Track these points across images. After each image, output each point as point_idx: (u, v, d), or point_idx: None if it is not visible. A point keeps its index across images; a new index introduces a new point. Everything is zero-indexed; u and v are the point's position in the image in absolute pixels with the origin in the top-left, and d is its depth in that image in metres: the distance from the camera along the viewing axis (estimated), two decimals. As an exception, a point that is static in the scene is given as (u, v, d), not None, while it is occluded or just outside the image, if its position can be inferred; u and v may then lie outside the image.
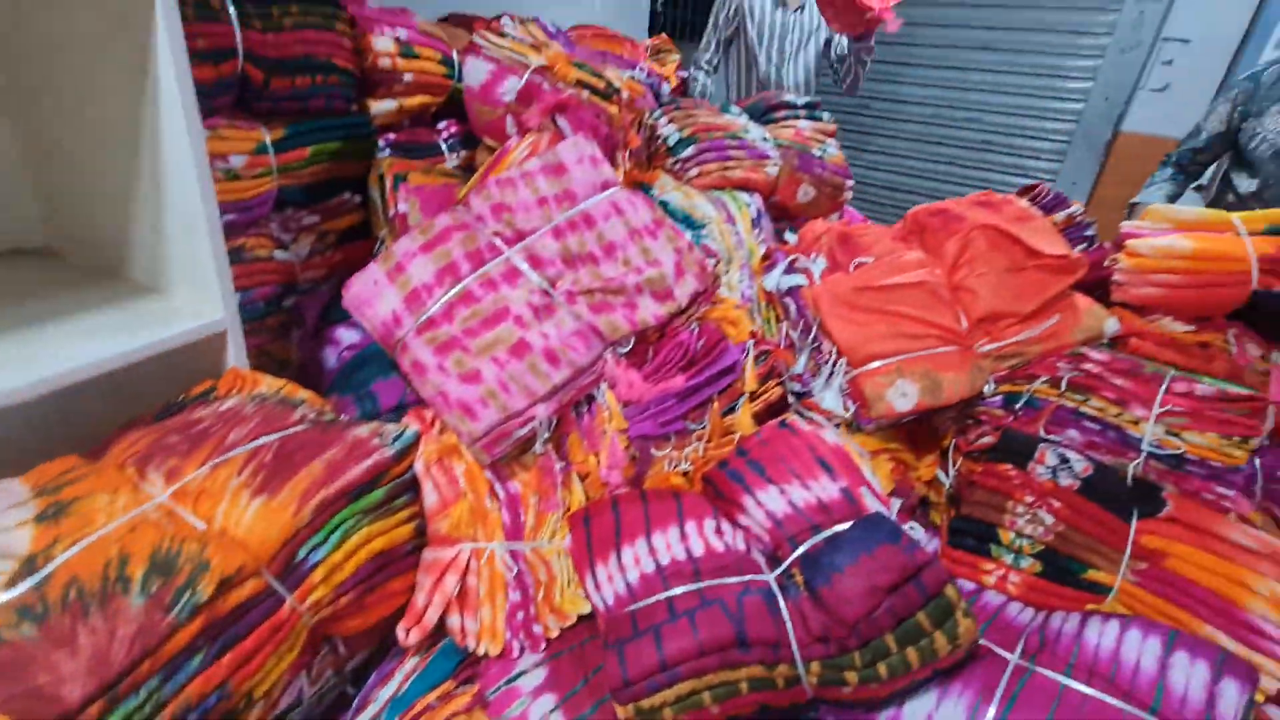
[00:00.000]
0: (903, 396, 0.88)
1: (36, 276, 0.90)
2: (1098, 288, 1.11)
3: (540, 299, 0.86)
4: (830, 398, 0.94)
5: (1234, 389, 0.84)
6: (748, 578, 0.71)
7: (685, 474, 0.91)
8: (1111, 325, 0.96)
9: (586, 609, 0.84)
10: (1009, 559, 0.84)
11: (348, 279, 1.19)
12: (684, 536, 0.76)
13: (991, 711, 0.69)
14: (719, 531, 0.77)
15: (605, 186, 0.97)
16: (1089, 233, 1.13)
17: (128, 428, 0.79)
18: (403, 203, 1.14)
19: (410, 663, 0.80)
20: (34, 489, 0.64)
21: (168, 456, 0.69)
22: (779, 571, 0.72)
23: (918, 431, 1.03)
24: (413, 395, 1.03)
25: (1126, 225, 1.09)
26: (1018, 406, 0.90)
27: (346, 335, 1.13)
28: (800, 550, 0.72)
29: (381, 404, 1.02)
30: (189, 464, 0.69)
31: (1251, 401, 0.80)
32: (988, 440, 0.89)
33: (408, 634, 0.77)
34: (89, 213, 0.92)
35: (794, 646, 0.67)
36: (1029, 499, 0.83)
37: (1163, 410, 0.82)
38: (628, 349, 0.89)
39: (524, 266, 0.88)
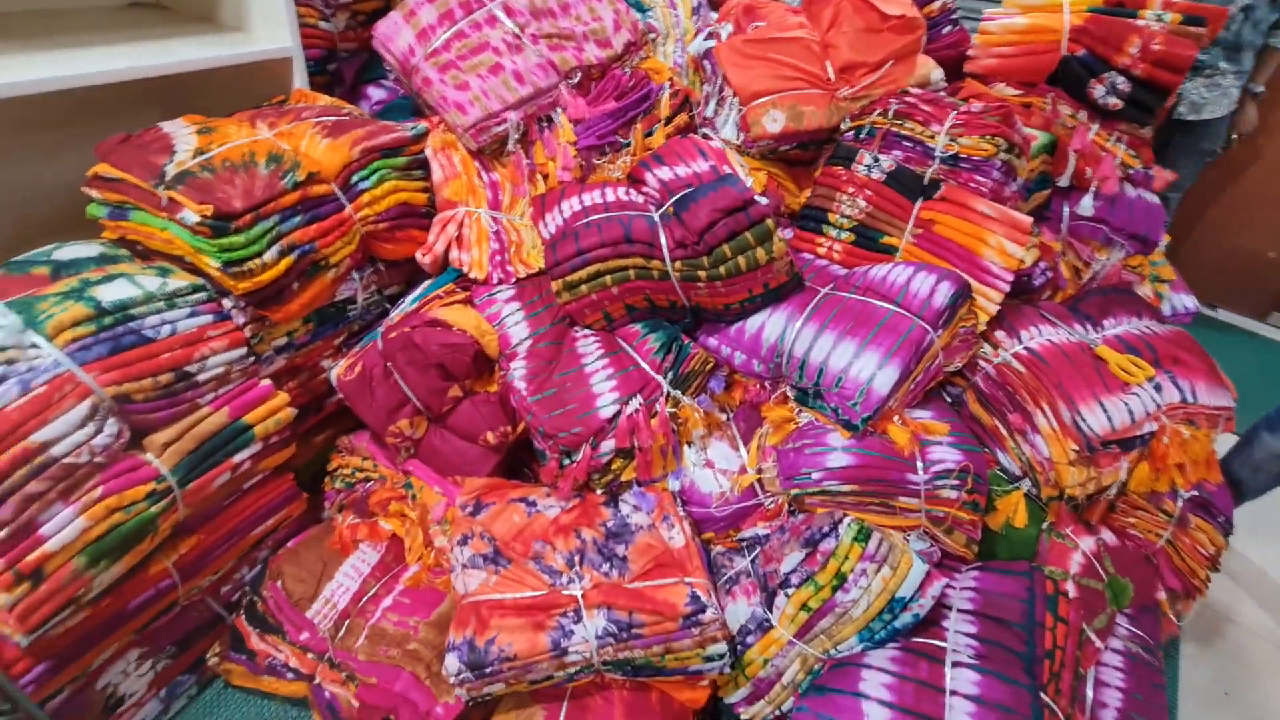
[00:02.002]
0: (773, 121, 1.22)
1: (154, 20, 1.26)
2: (957, 63, 1.41)
3: (512, 39, 1.20)
4: (728, 129, 1.29)
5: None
6: (639, 212, 1.10)
7: (616, 179, 1.28)
8: (937, 73, 1.27)
9: (538, 265, 1.25)
10: (834, 233, 1.21)
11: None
12: (603, 194, 1.14)
13: (800, 318, 1.09)
14: (628, 194, 1.15)
15: (567, -35, 1.28)
16: (954, 17, 1.41)
17: (234, 112, 1.18)
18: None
19: (424, 284, 1.22)
20: (188, 122, 1.03)
21: (267, 117, 1.07)
22: (660, 211, 1.10)
23: (799, 169, 1.38)
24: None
25: (988, 10, 1.37)
26: (862, 135, 1.24)
27: (375, 93, 1.48)
28: (675, 197, 1.10)
29: (403, 136, 1.39)
30: (281, 121, 1.07)
31: (1000, 109, 1.13)
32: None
33: (423, 256, 1.18)
34: (189, -28, 1.26)
35: (664, 248, 1.06)
36: (850, 190, 1.19)
37: (951, 125, 1.15)
38: (576, 81, 1.23)
39: (500, 15, 1.21)
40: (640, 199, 1.15)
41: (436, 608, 1.04)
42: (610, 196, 1.14)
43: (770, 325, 1.09)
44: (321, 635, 1.02)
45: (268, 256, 0.95)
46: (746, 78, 1.24)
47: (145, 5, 1.30)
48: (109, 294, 0.86)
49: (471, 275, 1.20)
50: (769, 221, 1.07)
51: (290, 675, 1.02)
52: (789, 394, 1.09)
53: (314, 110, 1.12)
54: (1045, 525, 1.08)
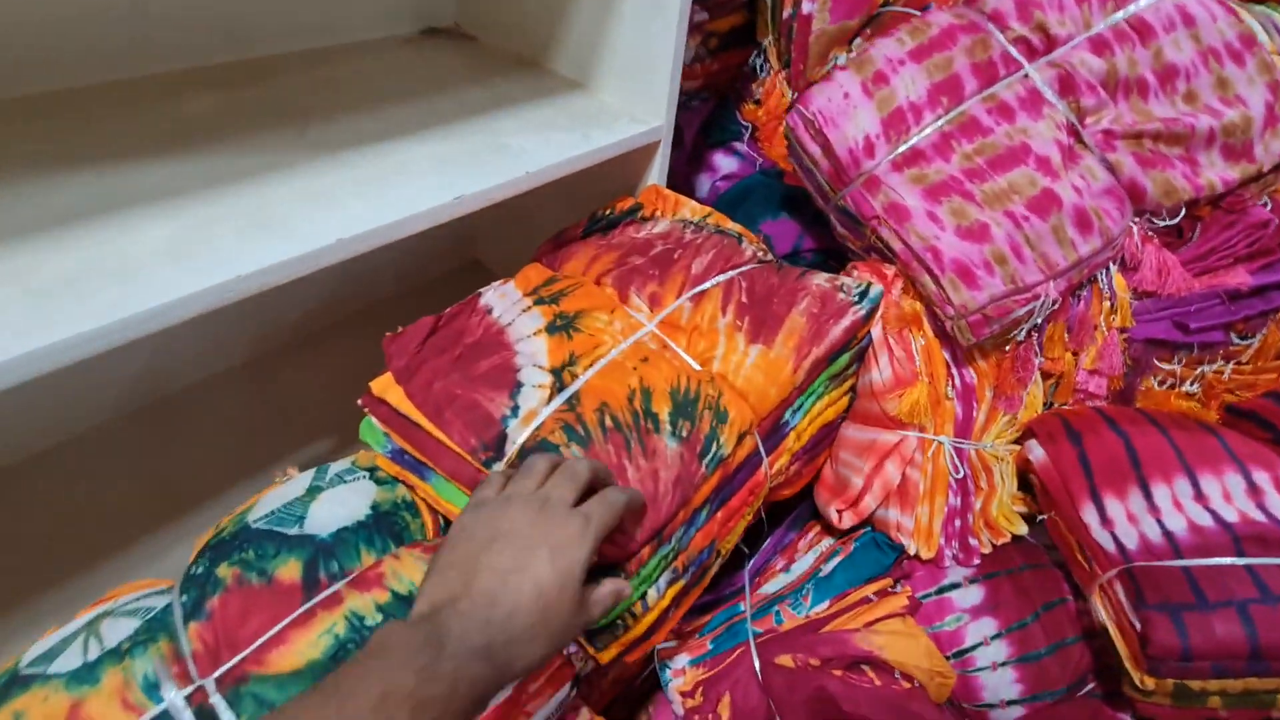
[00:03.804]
0: None
1: (454, 60, 0.83)
2: None
3: (1068, 138, 0.64)
4: None
5: None
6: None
7: (1190, 397, 0.70)
8: None
9: (1022, 530, 0.71)
10: None
11: (726, 95, 1.04)
12: (1254, 490, 0.57)
13: None
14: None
15: (1154, -18, 0.68)
16: None
17: (561, 240, 0.73)
18: (807, 1, 0.92)
19: (821, 544, 0.73)
20: (526, 292, 0.60)
21: (644, 281, 0.61)
22: None
23: None
24: (811, 242, 0.89)
25: None
26: None
27: (724, 163, 0.99)
28: None
29: (775, 249, 0.89)
30: (667, 292, 0.60)
31: None
32: None
33: (840, 516, 0.69)
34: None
35: None
36: None
37: None
38: (1173, 221, 0.65)
39: (1048, 91, 0.64)
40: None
41: None
42: (1277, 506, 0.56)
43: None
44: None
45: (650, 595, 0.51)
46: None
47: (443, 32, 0.88)
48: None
49: (913, 551, 0.69)
50: None
51: None
52: None
53: (705, 257, 0.64)
54: None
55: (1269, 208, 0.65)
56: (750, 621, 0.70)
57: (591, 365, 0.52)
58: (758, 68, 1.01)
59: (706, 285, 0.61)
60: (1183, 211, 0.64)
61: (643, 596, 0.49)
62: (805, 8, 0.90)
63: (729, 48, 1.03)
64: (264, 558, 0.51)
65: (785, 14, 0.93)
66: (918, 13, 0.73)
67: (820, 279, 0.66)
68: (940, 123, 0.65)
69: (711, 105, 1.02)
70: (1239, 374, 0.67)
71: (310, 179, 0.54)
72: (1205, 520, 0.56)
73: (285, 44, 0.76)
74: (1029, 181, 0.62)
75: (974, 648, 0.66)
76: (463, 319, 0.56)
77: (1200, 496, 0.57)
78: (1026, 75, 0.65)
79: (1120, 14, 0.66)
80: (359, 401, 0.57)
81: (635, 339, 0.55)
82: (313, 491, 0.57)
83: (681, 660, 0.70)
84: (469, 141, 0.63)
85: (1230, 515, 0.55)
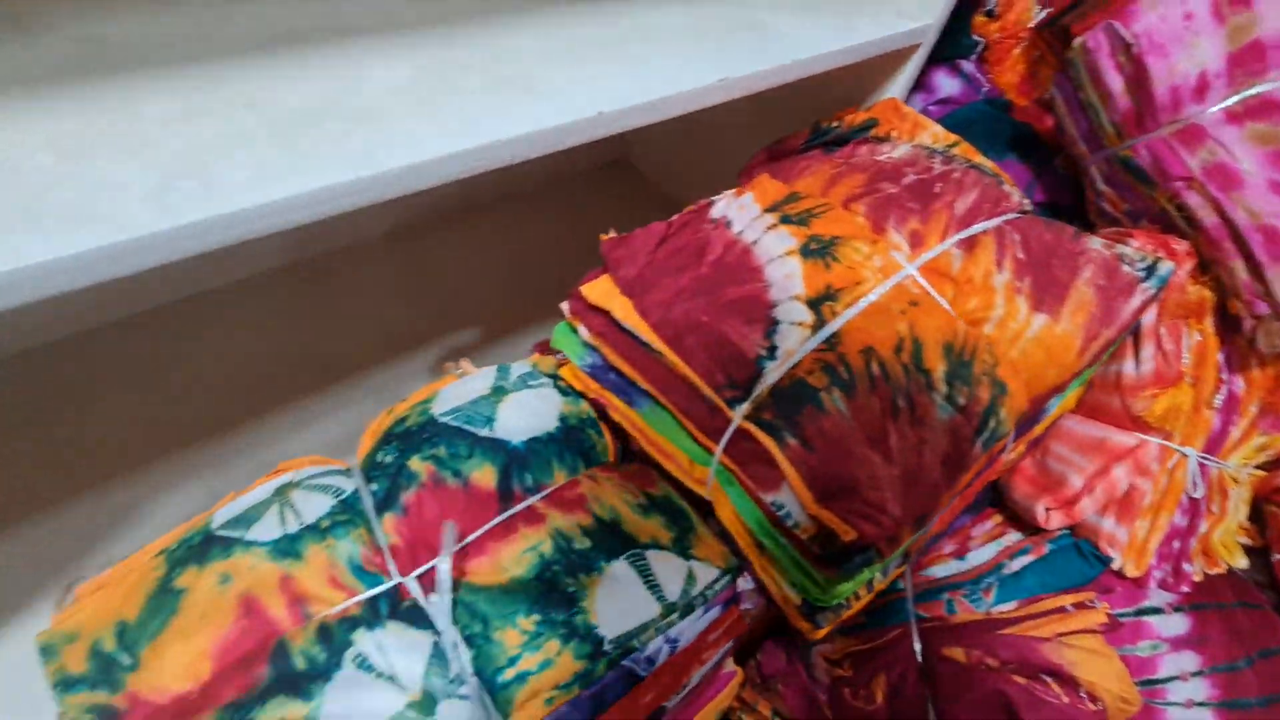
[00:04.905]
0: None
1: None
2: None
3: None
4: None
5: None
6: None
7: None
8: None
9: (1243, 562, 0.62)
10: None
11: None
12: None
13: None
14: None
15: None
16: None
17: (779, 151, 0.63)
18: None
19: (1005, 537, 0.66)
20: (766, 207, 0.51)
21: (904, 214, 0.51)
22: None
23: None
24: (1042, 194, 0.77)
25: None
26: None
27: (945, 83, 0.85)
28: None
29: (999, 195, 0.77)
30: (930, 231, 0.51)
31: None
32: None
33: (1049, 515, 0.61)
34: None
35: None
36: None
37: None
38: None
39: None
40: None
41: None
42: None
43: None
44: None
45: (877, 578, 0.45)
46: None
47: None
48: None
49: (1116, 565, 0.62)
50: None
51: None
52: None
53: (969, 196, 0.54)
54: None
55: None
56: (912, 603, 0.64)
57: (854, 302, 0.44)
58: (1002, -31, 0.84)
59: (976, 229, 0.51)
60: None
61: (883, 569, 0.44)
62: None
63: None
64: (458, 457, 0.46)
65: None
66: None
67: (1098, 244, 0.55)
68: (1315, 64, 0.51)
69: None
70: None
71: (552, 30, 0.46)
72: None
73: None
74: None
75: (1168, 680, 0.60)
76: (697, 230, 0.48)
77: None
78: None
79: None
80: (563, 306, 0.51)
81: (897, 279, 0.46)
82: (498, 392, 0.52)
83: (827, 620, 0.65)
84: (719, 12, 0.52)
85: None
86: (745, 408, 0.41)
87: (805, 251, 0.46)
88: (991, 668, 0.58)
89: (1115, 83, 0.57)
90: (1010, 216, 0.54)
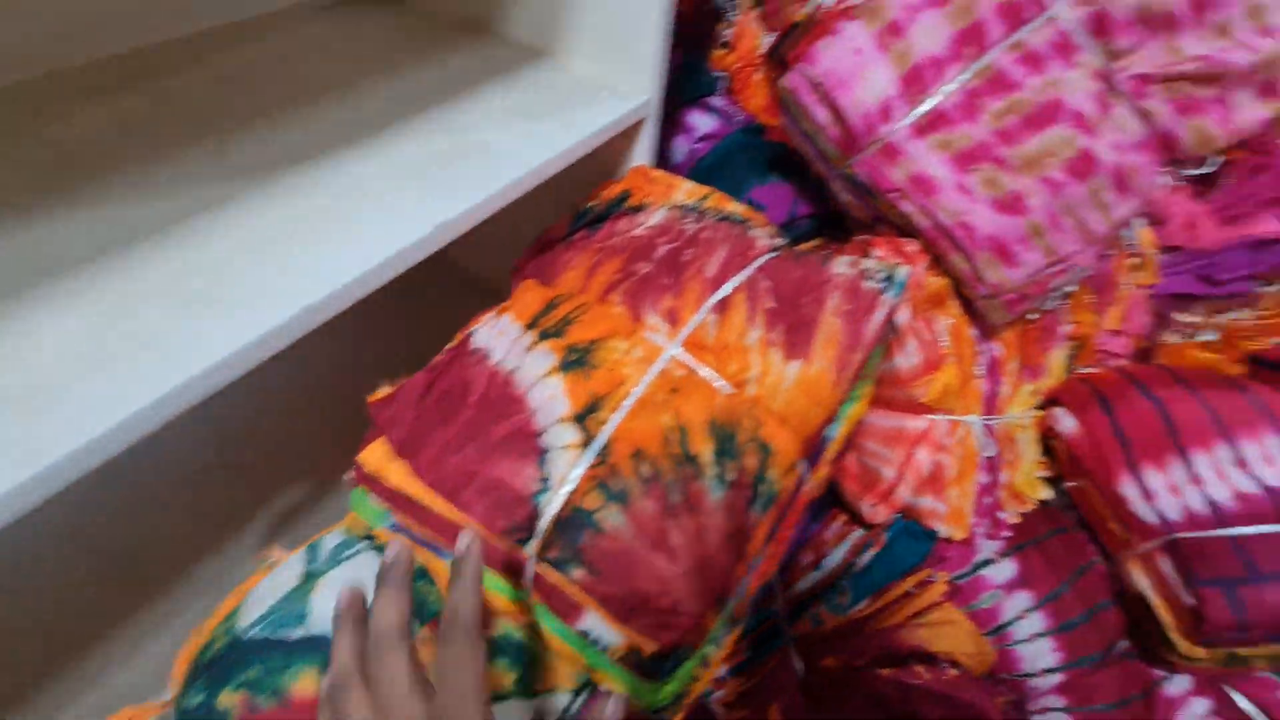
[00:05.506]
0: None
1: (385, 30, 0.70)
2: None
3: (1098, 90, 0.58)
4: None
5: None
6: None
7: (1208, 347, 0.68)
8: None
9: (1047, 494, 0.71)
10: None
11: (692, 41, 0.93)
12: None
13: None
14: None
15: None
16: None
17: (545, 243, 0.65)
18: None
19: (850, 535, 0.71)
20: (526, 324, 0.52)
21: (658, 294, 0.54)
22: None
23: None
24: (806, 207, 0.83)
25: None
26: None
27: (700, 122, 0.90)
28: None
29: (769, 218, 0.82)
30: (685, 305, 0.53)
31: None
32: None
33: (874, 509, 0.66)
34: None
35: None
36: None
37: None
38: (1204, 170, 0.61)
39: (1079, 35, 0.58)
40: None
41: None
42: None
43: None
44: None
45: (711, 652, 0.47)
46: None
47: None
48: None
49: (944, 533, 0.68)
50: None
51: None
52: None
53: (717, 255, 0.57)
54: None
55: (1295, 147, 0.62)
56: (787, 624, 0.68)
57: (618, 406, 0.46)
58: (725, 8, 0.90)
59: (727, 289, 0.54)
60: (1219, 160, 0.60)
61: (703, 657, 0.46)
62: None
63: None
64: (273, 673, 0.44)
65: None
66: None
67: (842, 265, 0.59)
68: (964, 77, 0.58)
69: (678, 55, 0.91)
70: (1265, 319, 0.65)
71: (252, 218, 0.44)
72: (1249, 486, 0.55)
73: (171, 28, 0.62)
74: (1064, 142, 0.56)
75: (1011, 622, 0.66)
76: (459, 369, 0.48)
77: (1241, 462, 0.56)
78: (1053, 16, 0.58)
79: (1148, -63, 0.59)
80: (345, 478, 0.49)
81: (660, 367, 0.49)
82: (310, 579, 0.50)
83: (720, 671, 0.68)
84: (429, 144, 0.53)
85: (1273, 479, 0.55)
86: (534, 545, 0.42)
87: (565, 365, 0.47)
88: (862, 667, 0.62)
89: (820, 115, 0.63)
90: (760, 262, 0.58)
